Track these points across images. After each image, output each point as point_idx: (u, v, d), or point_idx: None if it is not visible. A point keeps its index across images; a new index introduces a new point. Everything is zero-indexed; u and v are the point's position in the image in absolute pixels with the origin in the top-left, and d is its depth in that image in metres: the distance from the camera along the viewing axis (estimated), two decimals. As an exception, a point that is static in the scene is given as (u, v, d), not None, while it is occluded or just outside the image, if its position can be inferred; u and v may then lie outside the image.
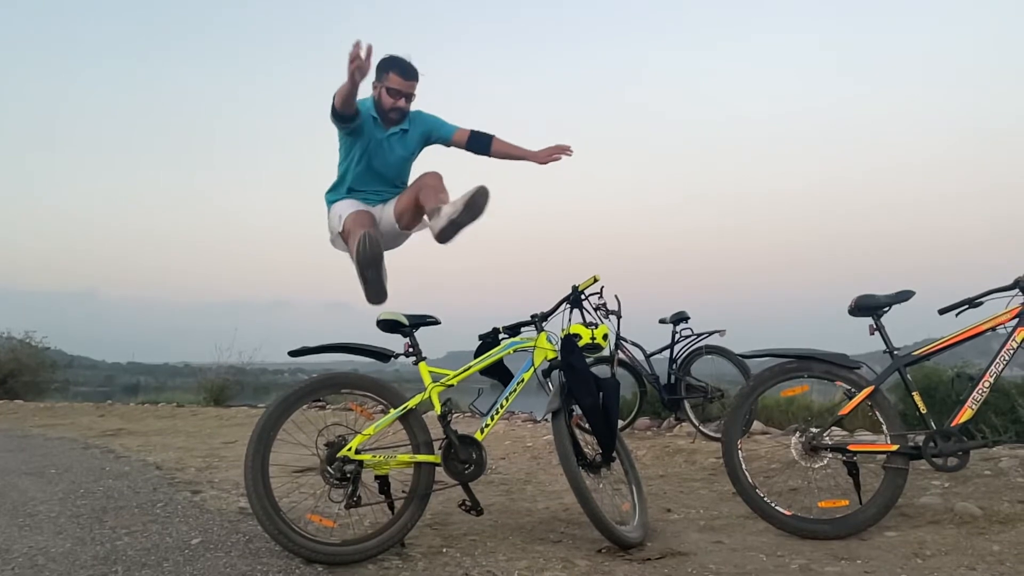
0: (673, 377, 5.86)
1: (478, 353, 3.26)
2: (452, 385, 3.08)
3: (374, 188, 3.65)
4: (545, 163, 3.74)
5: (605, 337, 3.34)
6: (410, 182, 3.66)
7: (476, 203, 3.10)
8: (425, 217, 3.37)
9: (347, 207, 3.54)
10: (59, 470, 4.93)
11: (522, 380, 3.20)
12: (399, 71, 3.43)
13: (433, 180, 3.41)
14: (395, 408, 2.94)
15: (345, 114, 3.31)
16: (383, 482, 2.91)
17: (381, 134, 3.52)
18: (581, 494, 2.92)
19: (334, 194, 3.68)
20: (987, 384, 3.15)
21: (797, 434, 3.29)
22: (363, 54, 3.03)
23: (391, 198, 3.66)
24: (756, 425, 5.57)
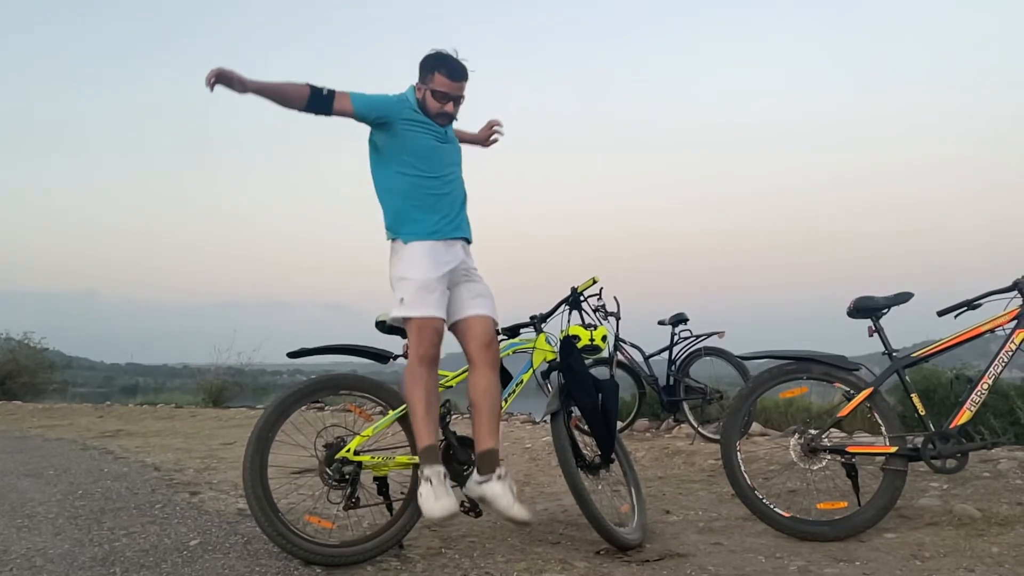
0: (672, 379, 5.86)
1: (477, 354, 3.26)
2: (451, 386, 3.07)
3: (446, 181, 2.96)
4: (488, 145, 3.49)
5: (604, 339, 3.34)
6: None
7: (508, 518, 2.77)
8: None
9: (418, 286, 2.78)
10: (57, 471, 4.93)
11: (521, 381, 3.20)
12: (446, 71, 2.90)
13: (487, 382, 2.86)
14: (394, 409, 2.94)
15: (302, 110, 2.79)
16: (382, 483, 2.91)
17: (437, 130, 2.95)
18: (580, 496, 2.92)
19: (408, 223, 2.88)
20: (986, 386, 3.15)
21: (796, 436, 3.29)
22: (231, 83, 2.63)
23: (466, 239, 3.02)
24: (755, 427, 5.57)
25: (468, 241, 3.05)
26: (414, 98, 2.95)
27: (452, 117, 2.99)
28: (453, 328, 2.96)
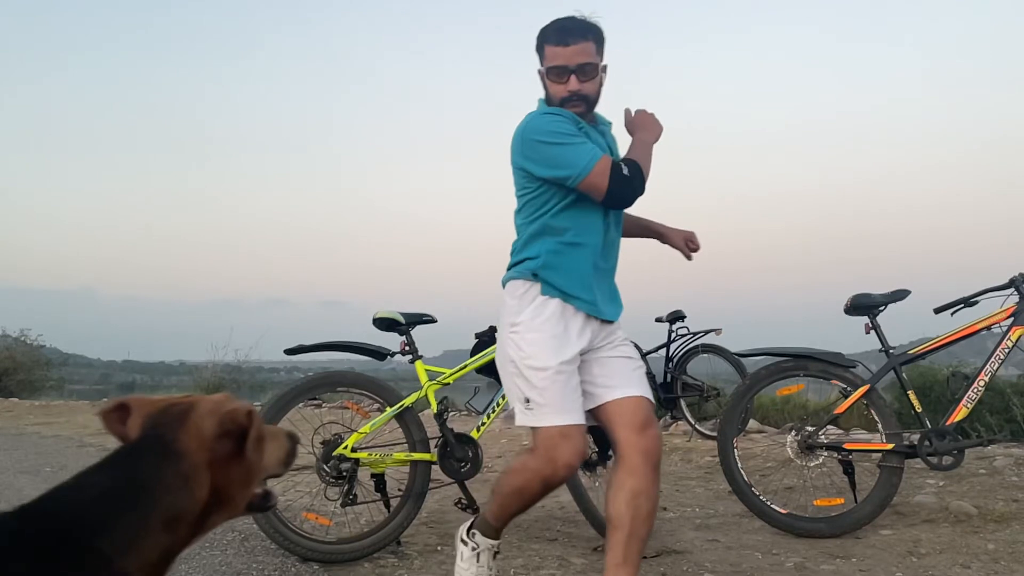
0: (669, 376, 5.86)
1: (474, 351, 3.25)
2: (448, 383, 3.07)
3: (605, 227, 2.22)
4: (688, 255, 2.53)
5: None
6: None
7: None
8: None
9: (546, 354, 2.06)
10: (54, 468, 4.92)
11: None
12: (554, 38, 2.13)
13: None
14: (391, 406, 2.93)
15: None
16: (379, 480, 2.91)
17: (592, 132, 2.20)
18: (577, 492, 2.92)
19: (554, 267, 2.13)
20: (982, 383, 3.16)
21: (793, 433, 3.29)
22: None
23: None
24: (752, 424, 5.57)
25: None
26: (542, 103, 2.25)
27: (588, 99, 2.17)
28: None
